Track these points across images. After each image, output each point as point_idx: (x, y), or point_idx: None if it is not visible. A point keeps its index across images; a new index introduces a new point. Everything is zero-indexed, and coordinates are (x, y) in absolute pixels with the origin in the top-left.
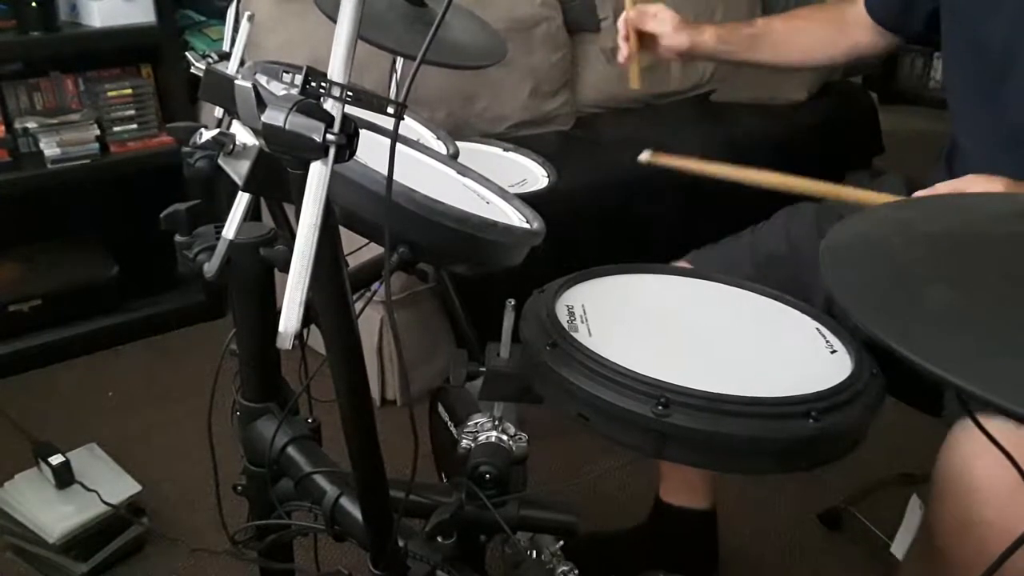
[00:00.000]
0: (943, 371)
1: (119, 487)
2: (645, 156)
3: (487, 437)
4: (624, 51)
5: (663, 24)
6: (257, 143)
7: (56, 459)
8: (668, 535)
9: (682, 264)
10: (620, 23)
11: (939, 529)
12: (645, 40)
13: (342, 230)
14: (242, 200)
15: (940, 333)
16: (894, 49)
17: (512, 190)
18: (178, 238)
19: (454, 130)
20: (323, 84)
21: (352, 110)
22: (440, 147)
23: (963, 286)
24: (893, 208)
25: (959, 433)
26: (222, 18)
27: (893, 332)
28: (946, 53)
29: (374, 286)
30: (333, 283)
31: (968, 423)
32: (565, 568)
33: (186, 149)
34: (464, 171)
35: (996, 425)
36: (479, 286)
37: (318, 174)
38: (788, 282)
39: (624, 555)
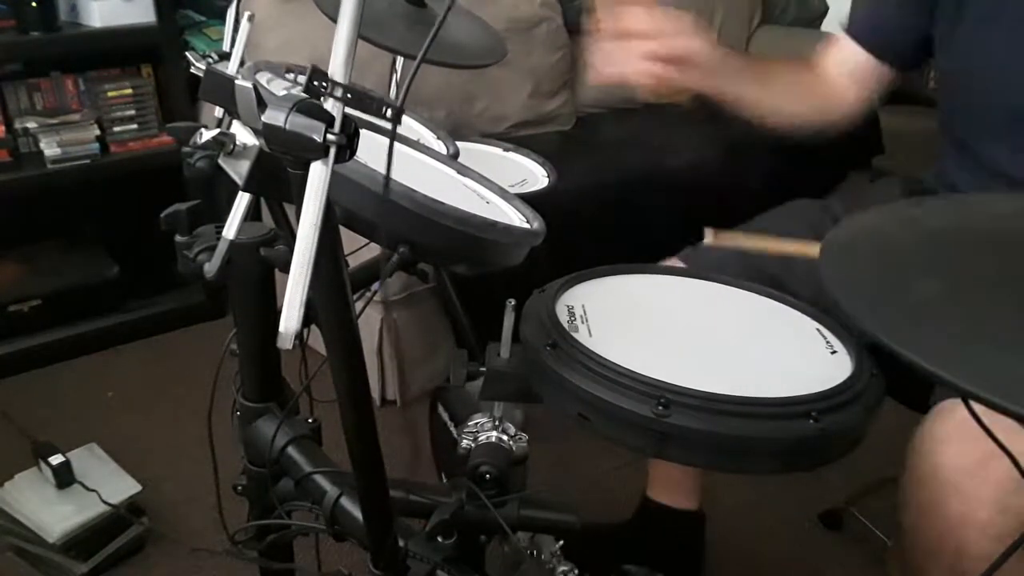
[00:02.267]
0: (920, 358)
1: (119, 487)
2: (709, 239)
3: (487, 437)
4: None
5: (692, 38)
6: (257, 143)
7: (56, 459)
8: (652, 533)
9: (675, 262)
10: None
11: (907, 511)
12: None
13: (342, 230)
14: (242, 200)
15: (924, 324)
16: (865, 106)
17: (512, 190)
18: (178, 238)
19: (454, 130)
20: (323, 84)
21: (352, 109)
22: (440, 147)
23: (954, 281)
24: (900, 205)
25: (932, 417)
26: (222, 18)
27: (876, 321)
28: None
29: (374, 286)
30: (333, 283)
31: (937, 412)
32: (565, 568)
33: (186, 149)
34: (464, 171)
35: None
36: (479, 286)
37: (318, 174)
38: (774, 281)
39: (608, 549)
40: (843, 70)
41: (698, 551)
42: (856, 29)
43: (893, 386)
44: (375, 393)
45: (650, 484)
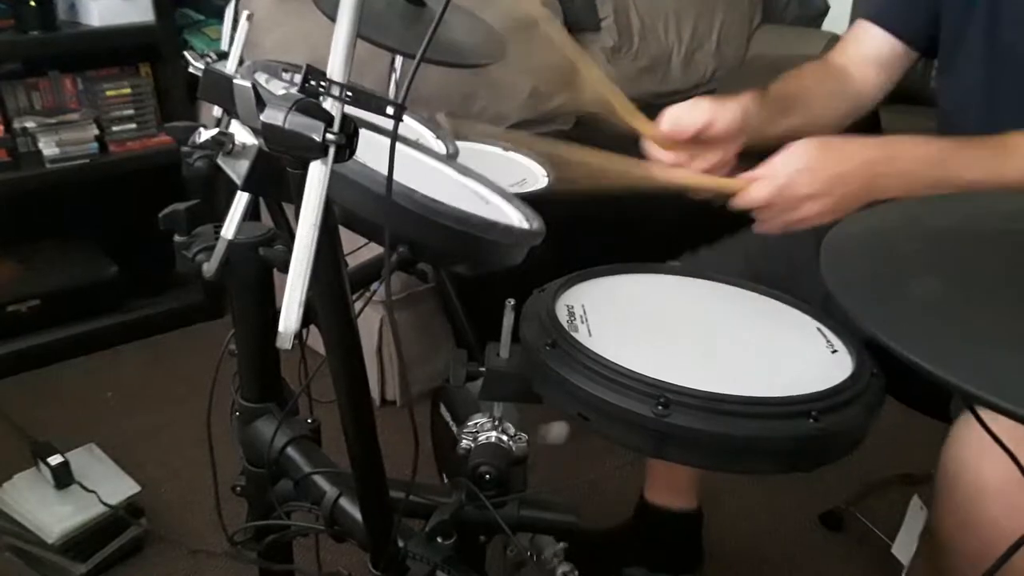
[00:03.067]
0: (920, 358)
1: (118, 487)
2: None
3: (487, 437)
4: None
5: (700, 109)
6: (256, 143)
7: (55, 459)
8: (650, 534)
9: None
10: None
11: (943, 528)
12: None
13: (342, 230)
14: (241, 200)
15: (925, 323)
16: (889, 90)
17: (512, 190)
18: (177, 238)
19: (454, 130)
20: (322, 83)
21: (351, 109)
22: (440, 147)
23: (955, 279)
24: (900, 204)
25: (962, 429)
26: (221, 17)
27: (876, 320)
28: (956, 57)
29: (374, 286)
30: (333, 283)
31: (970, 419)
32: (566, 568)
33: (185, 149)
34: (464, 171)
35: (1001, 422)
36: (479, 286)
37: (318, 174)
38: (779, 283)
39: (606, 551)
40: (867, 59)
41: (697, 551)
42: (877, 13)
43: (894, 386)
44: (375, 393)
45: (647, 486)
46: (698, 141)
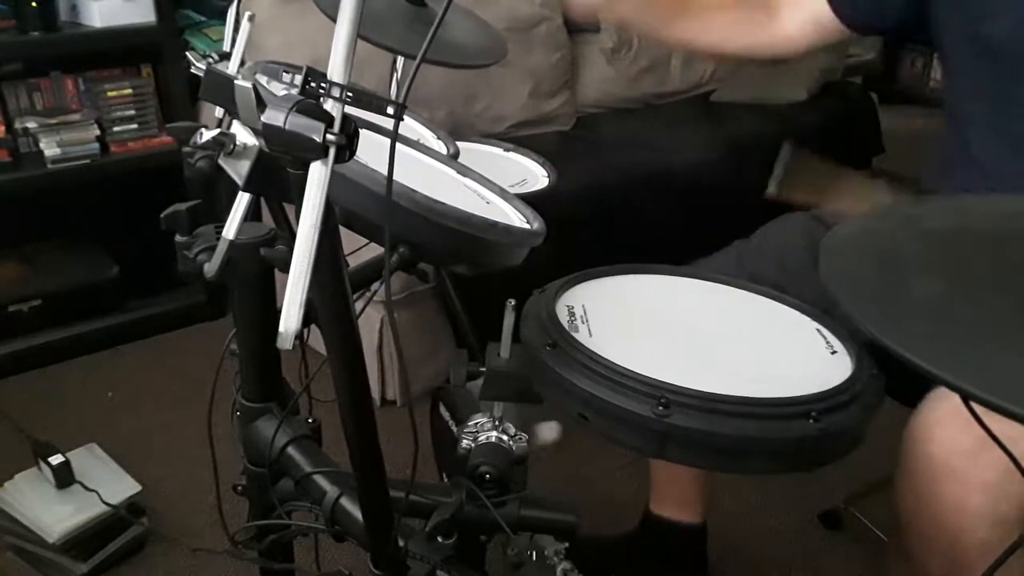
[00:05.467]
0: (919, 359)
1: (119, 487)
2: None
3: (487, 437)
4: None
5: None
6: (257, 143)
7: (56, 459)
8: (656, 547)
9: None
10: None
11: (902, 499)
12: None
13: (342, 230)
14: (242, 200)
15: (924, 324)
16: (821, 46)
17: (512, 190)
18: (178, 238)
19: (454, 130)
20: (323, 84)
21: (352, 110)
22: (440, 147)
23: (954, 281)
24: (900, 205)
25: (926, 404)
26: (222, 18)
27: (876, 321)
28: (949, 53)
29: (374, 286)
30: (333, 283)
31: (937, 394)
32: (567, 567)
33: (186, 149)
34: (464, 171)
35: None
36: (479, 286)
37: (318, 174)
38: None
39: (612, 561)
40: (805, 17)
41: (702, 565)
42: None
43: (893, 386)
44: (375, 393)
45: (653, 497)
46: None
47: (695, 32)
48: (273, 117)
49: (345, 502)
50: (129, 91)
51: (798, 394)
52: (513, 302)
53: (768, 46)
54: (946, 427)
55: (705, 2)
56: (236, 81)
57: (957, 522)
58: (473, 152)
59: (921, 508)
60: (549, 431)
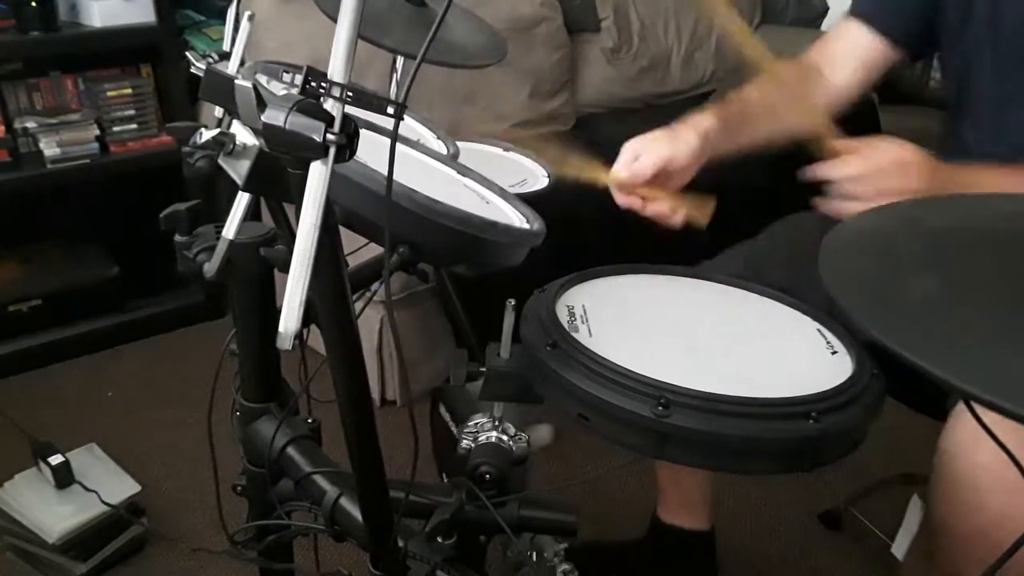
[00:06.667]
0: (919, 359)
1: (119, 487)
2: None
3: (487, 437)
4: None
5: (658, 146)
6: (257, 143)
7: (56, 459)
8: (665, 555)
9: None
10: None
11: (939, 514)
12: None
13: (342, 230)
14: (242, 200)
15: (924, 324)
16: (869, 90)
17: (512, 190)
18: (178, 238)
19: (454, 130)
20: (323, 84)
21: (352, 110)
22: (440, 147)
23: (955, 281)
24: (900, 205)
25: (957, 421)
26: (222, 18)
27: (876, 321)
28: (950, 53)
29: (374, 286)
30: (333, 283)
31: (965, 410)
32: (567, 567)
33: (186, 149)
34: (464, 171)
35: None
36: (479, 286)
37: (318, 174)
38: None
39: (621, 568)
40: (851, 57)
41: (711, 570)
42: (868, 11)
43: (894, 386)
44: (375, 393)
45: (660, 505)
46: (659, 175)
47: (768, 133)
48: (273, 117)
49: (345, 502)
50: (129, 91)
51: (798, 394)
52: (513, 302)
53: (829, 107)
54: (984, 444)
55: (757, 105)
56: (236, 81)
57: (1001, 534)
58: (473, 152)
59: (961, 521)
60: (540, 435)
